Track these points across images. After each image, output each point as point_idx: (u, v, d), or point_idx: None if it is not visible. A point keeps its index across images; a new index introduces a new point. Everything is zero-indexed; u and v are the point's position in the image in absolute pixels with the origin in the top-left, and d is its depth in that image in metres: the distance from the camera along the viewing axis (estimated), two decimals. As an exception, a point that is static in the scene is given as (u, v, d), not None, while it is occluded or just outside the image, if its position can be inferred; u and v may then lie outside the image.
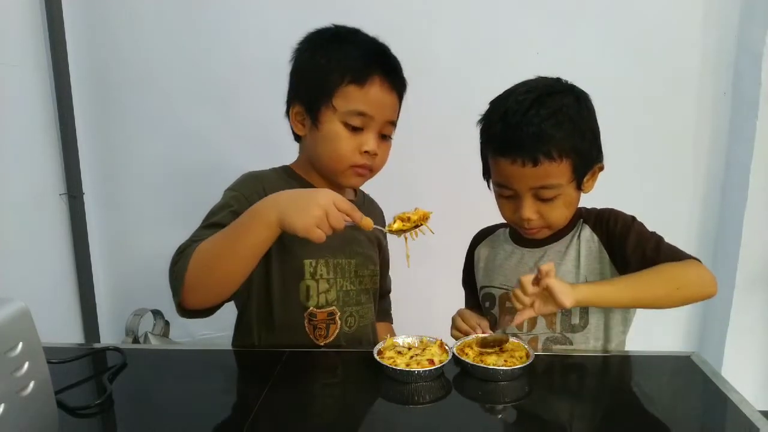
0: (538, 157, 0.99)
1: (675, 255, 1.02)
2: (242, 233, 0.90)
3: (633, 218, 1.09)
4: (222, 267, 0.90)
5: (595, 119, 1.07)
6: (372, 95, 1.05)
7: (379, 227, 0.99)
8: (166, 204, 2.15)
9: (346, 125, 1.05)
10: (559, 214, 1.06)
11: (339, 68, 1.04)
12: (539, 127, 0.99)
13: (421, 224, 0.98)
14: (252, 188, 1.06)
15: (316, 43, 1.09)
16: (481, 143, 1.11)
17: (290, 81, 1.13)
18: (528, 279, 0.94)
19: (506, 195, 1.07)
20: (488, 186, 1.14)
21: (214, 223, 0.99)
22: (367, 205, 1.28)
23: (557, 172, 1.01)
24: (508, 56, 1.88)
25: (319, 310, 1.11)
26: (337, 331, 1.14)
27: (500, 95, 1.08)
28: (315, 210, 0.87)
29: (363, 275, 1.20)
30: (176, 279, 0.91)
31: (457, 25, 1.93)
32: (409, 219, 0.98)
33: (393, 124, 1.12)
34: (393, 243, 1.29)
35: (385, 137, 1.11)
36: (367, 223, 0.93)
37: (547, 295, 0.94)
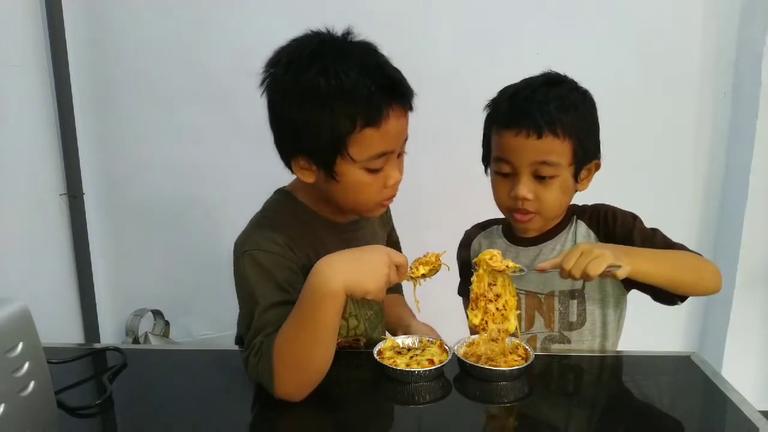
0: (543, 129, 1.00)
1: (684, 249, 1.03)
2: (316, 317, 0.84)
3: (633, 216, 1.09)
4: (314, 358, 0.86)
5: (596, 116, 1.09)
6: (391, 130, 0.91)
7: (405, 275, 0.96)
8: (166, 204, 2.15)
9: (368, 170, 0.93)
10: (554, 198, 1.05)
11: (346, 115, 0.87)
12: (547, 105, 1.01)
13: (440, 264, 0.97)
14: (279, 241, 0.96)
15: (300, 87, 0.88)
16: (485, 125, 1.12)
17: (278, 131, 0.96)
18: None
19: (504, 172, 1.06)
20: (485, 171, 1.14)
21: (276, 303, 0.91)
22: None
23: (559, 149, 1.02)
24: (508, 56, 1.88)
25: (344, 339, 1.09)
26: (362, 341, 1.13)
27: (510, 84, 1.10)
28: (385, 269, 0.86)
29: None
30: (264, 377, 0.87)
31: (457, 26, 1.93)
32: (428, 262, 0.96)
33: (407, 138, 0.99)
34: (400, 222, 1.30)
35: (400, 155, 1.00)
36: (403, 276, 0.93)
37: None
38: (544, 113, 1.00)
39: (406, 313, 1.22)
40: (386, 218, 1.27)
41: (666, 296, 1.01)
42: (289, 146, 0.95)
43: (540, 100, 1.01)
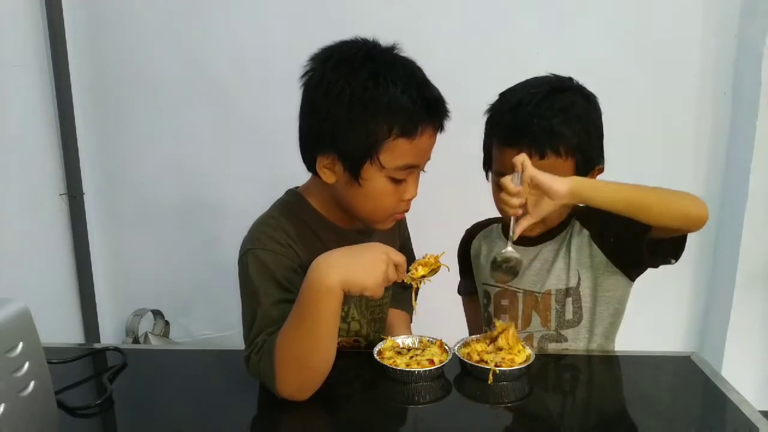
0: (546, 151, 0.99)
1: None
2: (314, 314, 0.84)
3: None
4: (313, 357, 0.86)
5: (601, 121, 1.07)
6: (422, 145, 0.93)
7: (404, 275, 0.95)
8: (166, 204, 2.15)
9: (392, 179, 0.94)
10: (556, 210, 1.04)
11: (385, 121, 0.89)
12: (550, 122, 0.99)
13: (439, 266, 0.96)
14: (281, 240, 0.96)
15: (350, 87, 0.89)
16: (486, 133, 1.10)
17: (310, 125, 0.95)
18: (509, 178, 0.93)
19: None
20: (486, 177, 1.13)
21: (278, 301, 0.92)
22: None
23: (562, 167, 1.00)
24: (508, 56, 1.88)
25: (345, 339, 1.09)
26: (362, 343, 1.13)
27: (511, 87, 1.07)
28: (382, 266, 0.86)
29: (387, 295, 1.17)
30: (266, 376, 0.87)
31: (457, 26, 1.93)
32: (427, 263, 0.96)
33: (429, 158, 1.01)
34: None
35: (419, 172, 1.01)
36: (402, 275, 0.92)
37: (538, 193, 0.93)
38: (548, 133, 0.98)
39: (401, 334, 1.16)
40: (397, 230, 1.23)
41: (654, 248, 1.00)
42: (319, 142, 0.94)
43: (542, 116, 0.99)
